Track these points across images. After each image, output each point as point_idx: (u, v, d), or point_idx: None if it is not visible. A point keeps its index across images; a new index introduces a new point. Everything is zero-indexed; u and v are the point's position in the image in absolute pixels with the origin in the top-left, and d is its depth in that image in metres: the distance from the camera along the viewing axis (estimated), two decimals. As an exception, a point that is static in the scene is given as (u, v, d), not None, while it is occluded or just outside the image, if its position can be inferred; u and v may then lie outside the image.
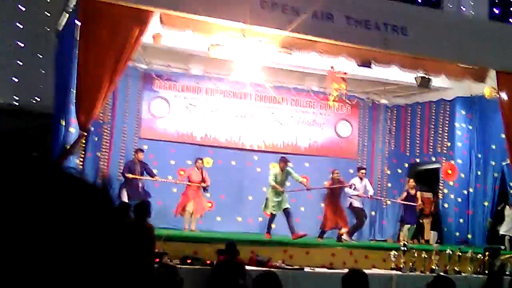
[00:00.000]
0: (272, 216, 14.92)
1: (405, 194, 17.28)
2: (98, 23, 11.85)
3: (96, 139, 15.40)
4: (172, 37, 13.63)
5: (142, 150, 15.44)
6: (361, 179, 16.32)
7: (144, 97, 16.64)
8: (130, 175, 14.72)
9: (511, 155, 15.36)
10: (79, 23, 11.76)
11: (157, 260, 10.25)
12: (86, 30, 11.79)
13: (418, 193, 17.29)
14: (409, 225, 17.07)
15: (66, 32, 12.87)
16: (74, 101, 11.86)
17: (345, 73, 15.27)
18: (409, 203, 16.92)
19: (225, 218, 16.88)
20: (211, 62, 15.83)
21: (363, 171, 16.56)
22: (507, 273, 12.58)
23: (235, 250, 10.83)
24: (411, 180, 17.44)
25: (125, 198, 14.35)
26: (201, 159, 15.75)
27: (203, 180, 15.49)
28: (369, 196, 16.49)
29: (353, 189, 16.04)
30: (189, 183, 15.45)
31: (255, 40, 13.40)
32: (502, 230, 16.63)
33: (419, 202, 17.14)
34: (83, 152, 14.20)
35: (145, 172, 15.19)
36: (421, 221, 17.80)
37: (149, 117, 16.67)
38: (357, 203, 16.18)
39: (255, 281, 6.51)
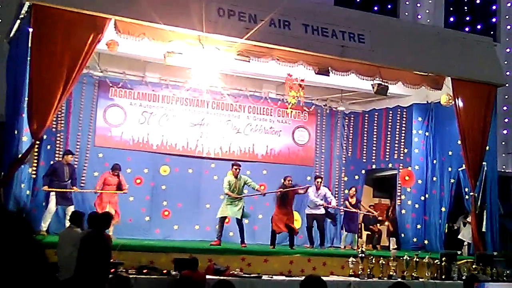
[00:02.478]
0: (222, 221, 14.42)
1: (346, 203, 17.28)
2: (52, 30, 11.68)
3: (49, 147, 15.08)
4: (128, 44, 13.45)
5: (71, 153, 14.70)
6: (317, 188, 16.22)
7: (99, 105, 16.37)
8: (46, 188, 13.85)
9: (466, 161, 15.52)
10: (31, 30, 11.57)
11: (113, 270, 10.11)
12: (39, 37, 11.60)
13: (360, 203, 17.46)
14: (349, 233, 17.18)
15: (19, 39, 12.64)
16: (27, 109, 11.64)
17: (302, 80, 15.26)
18: (353, 210, 16.93)
19: (182, 227, 16.73)
20: (168, 70, 15.70)
21: (319, 180, 16.35)
22: (463, 278, 12.64)
23: (197, 265, 10.71)
24: (352, 189, 17.51)
25: (53, 203, 13.89)
26: (118, 165, 14.84)
27: (120, 184, 14.75)
28: (331, 206, 16.26)
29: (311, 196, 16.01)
30: (107, 191, 14.60)
31: (212, 48, 13.33)
32: (463, 236, 16.72)
33: (363, 210, 17.34)
34: (36, 161, 13.90)
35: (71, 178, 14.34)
36: (379, 227, 17.93)
37: (104, 125, 16.39)
38: (313, 211, 16.10)
39: (211, 290, 6.42)
